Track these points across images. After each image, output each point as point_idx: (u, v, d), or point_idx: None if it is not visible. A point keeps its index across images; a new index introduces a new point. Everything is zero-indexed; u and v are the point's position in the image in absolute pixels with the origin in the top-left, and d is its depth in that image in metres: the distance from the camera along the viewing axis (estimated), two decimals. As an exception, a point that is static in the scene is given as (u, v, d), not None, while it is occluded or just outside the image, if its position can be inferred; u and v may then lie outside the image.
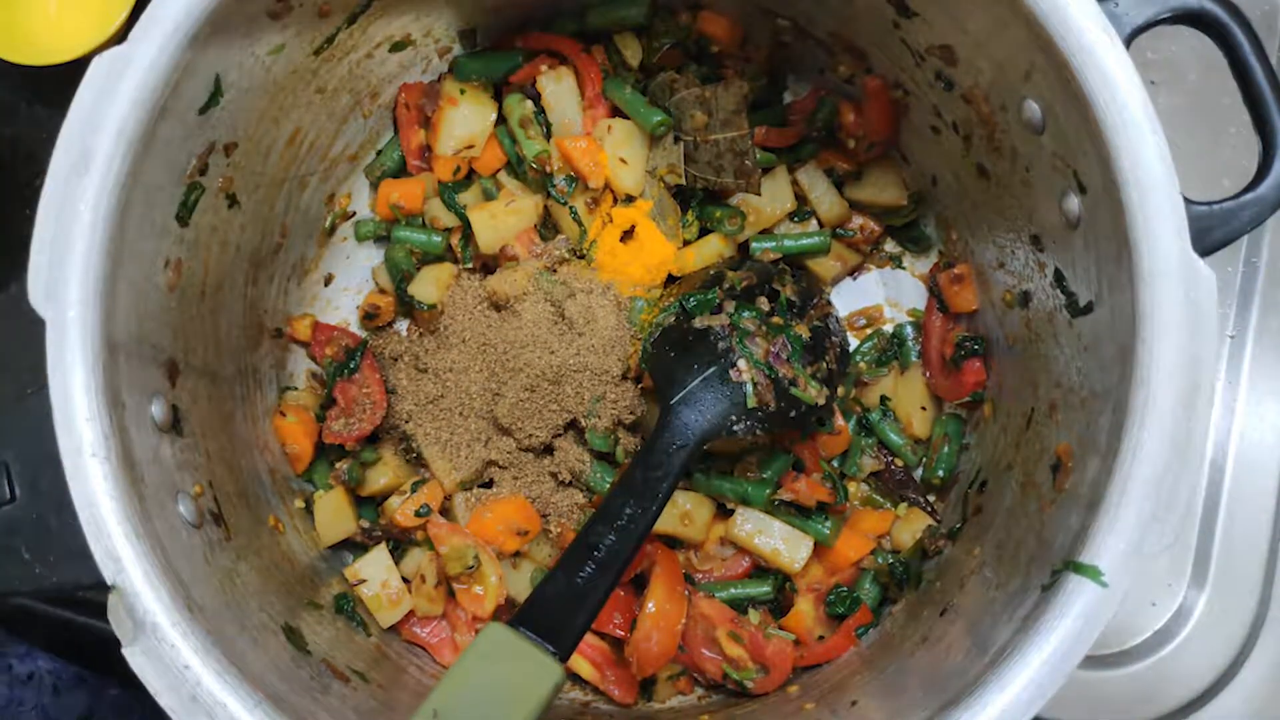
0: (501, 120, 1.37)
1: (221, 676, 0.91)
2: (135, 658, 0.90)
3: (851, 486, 1.37)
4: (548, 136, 1.35)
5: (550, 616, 0.98)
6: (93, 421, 0.92)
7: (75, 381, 0.92)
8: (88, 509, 0.91)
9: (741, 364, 1.22)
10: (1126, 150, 0.91)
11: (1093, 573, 0.90)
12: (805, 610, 1.30)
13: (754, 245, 1.37)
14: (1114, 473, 0.91)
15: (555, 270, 1.34)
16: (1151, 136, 0.91)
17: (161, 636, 0.90)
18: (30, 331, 0.93)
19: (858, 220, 1.41)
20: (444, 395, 1.33)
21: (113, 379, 0.95)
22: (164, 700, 0.90)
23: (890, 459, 1.38)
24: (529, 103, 1.35)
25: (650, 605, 1.24)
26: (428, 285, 1.36)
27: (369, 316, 1.40)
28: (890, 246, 1.45)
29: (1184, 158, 0.90)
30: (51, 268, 0.94)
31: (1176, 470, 0.89)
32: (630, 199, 1.34)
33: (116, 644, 0.91)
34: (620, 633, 1.28)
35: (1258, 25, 1.00)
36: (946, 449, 1.35)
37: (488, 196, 1.39)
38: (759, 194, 1.33)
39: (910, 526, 1.33)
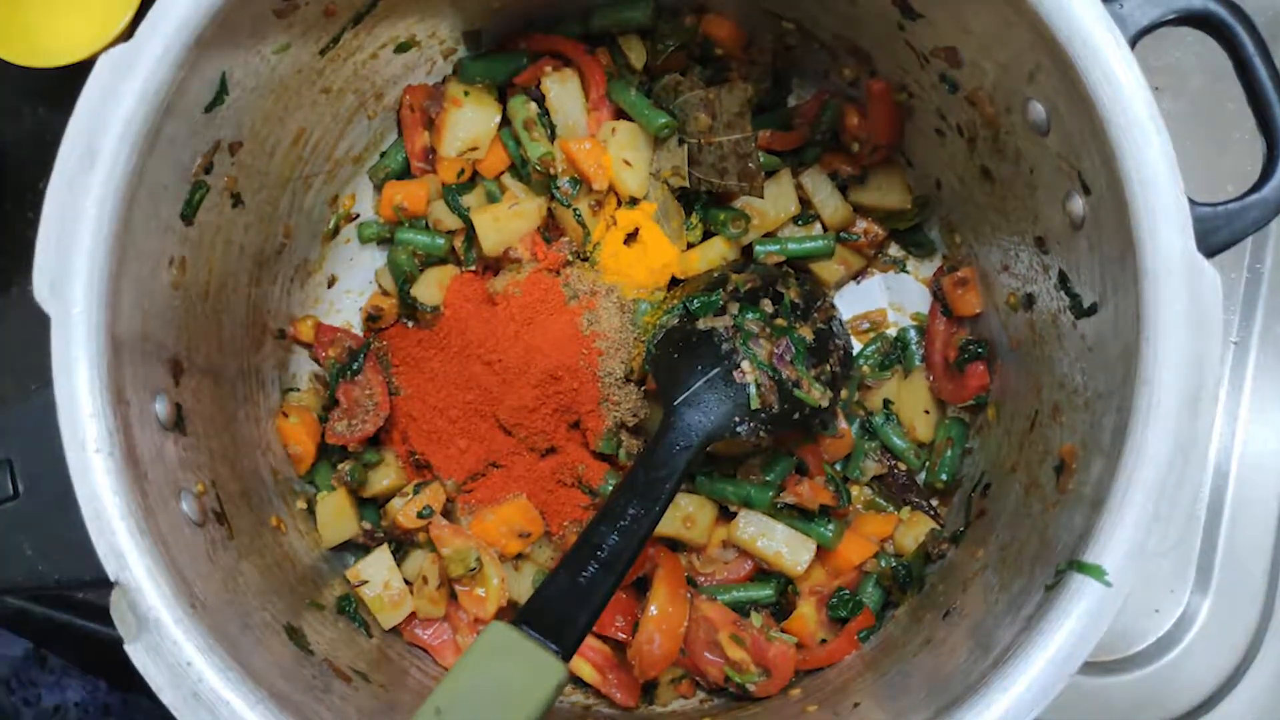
0: (506, 122, 1.37)
1: (223, 674, 0.90)
2: (137, 654, 0.90)
3: (854, 490, 1.37)
4: (552, 138, 1.35)
5: (553, 615, 0.98)
6: (97, 418, 0.92)
7: (79, 378, 0.92)
8: (91, 505, 0.91)
9: (745, 365, 1.22)
10: (1130, 150, 0.91)
11: (1097, 572, 0.90)
12: (807, 613, 1.29)
13: (758, 248, 1.37)
14: (1118, 472, 0.90)
15: (559, 273, 1.34)
16: (1156, 136, 0.91)
17: (164, 633, 0.90)
18: (34, 328, 0.93)
19: (862, 224, 1.41)
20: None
21: (117, 376, 0.95)
22: (166, 697, 0.90)
23: (893, 462, 1.38)
24: (533, 105, 1.35)
25: (652, 608, 1.24)
26: (431, 287, 1.36)
27: (372, 318, 1.40)
28: (894, 250, 1.44)
29: (1188, 163, 0.90)
30: (57, 264, 0.93)
31: (1180, 469, 0.89)
32: (634, 201, 1.34)
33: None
34: (622, 636, 1.28)
35: (1264, 31, 0.99)
36: (950, 453, 1.34)
37: (491, 199, 1.39)
38: (762, 197, 1.33)
39: (913, 530, 1.32)
